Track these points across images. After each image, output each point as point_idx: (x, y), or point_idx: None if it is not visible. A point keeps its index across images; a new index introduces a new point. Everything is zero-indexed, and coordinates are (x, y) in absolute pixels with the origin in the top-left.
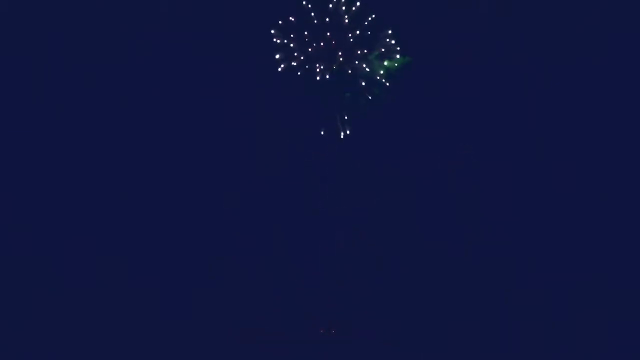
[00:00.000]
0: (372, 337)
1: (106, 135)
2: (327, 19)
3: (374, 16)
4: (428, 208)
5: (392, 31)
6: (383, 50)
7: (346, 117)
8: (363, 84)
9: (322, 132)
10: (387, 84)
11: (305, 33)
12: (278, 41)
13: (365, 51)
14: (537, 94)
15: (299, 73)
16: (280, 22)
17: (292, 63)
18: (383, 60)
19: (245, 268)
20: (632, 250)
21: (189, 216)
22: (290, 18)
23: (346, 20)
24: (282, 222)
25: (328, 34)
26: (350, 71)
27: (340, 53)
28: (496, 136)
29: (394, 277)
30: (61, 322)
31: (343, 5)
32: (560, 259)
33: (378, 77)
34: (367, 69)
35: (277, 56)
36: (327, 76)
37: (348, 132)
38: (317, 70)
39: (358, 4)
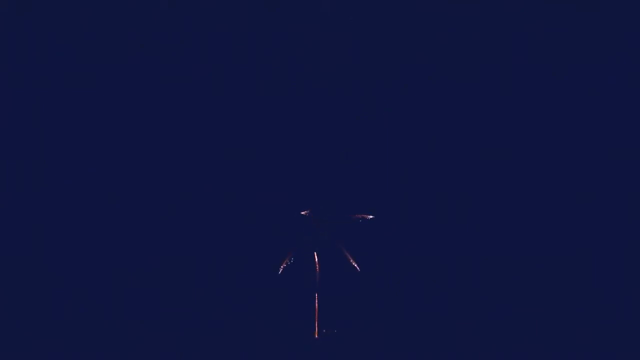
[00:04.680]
0: (373, 338)
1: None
2: None
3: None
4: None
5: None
6: None
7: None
8: None
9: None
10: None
11: None
12: None
13: None
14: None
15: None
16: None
17: None
18: None
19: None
20: (632, 250)
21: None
22: None
23: None
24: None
25: None
26: None
27: None
28: (496, 137)
29: (394, 278)
30: (61, 321)
31: None
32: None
33: None
34: None
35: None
36: None
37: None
38: None
39: None
